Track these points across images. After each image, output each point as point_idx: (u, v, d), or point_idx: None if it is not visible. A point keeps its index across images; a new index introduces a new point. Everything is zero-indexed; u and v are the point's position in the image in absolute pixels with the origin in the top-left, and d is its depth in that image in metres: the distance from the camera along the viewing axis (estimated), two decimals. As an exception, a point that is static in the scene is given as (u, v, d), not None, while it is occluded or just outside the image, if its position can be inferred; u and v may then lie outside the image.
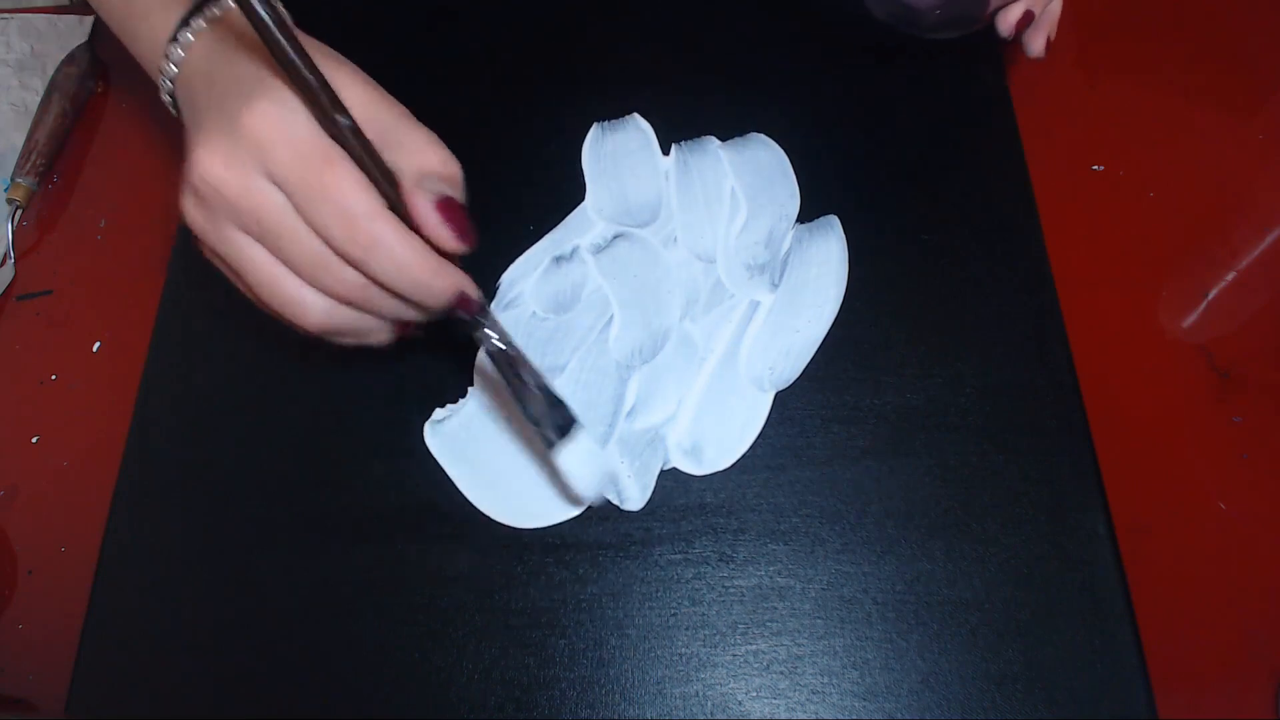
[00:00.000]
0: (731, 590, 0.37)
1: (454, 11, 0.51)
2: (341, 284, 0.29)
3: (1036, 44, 0.42)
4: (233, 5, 0.29)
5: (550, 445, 0.34)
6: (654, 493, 0.39)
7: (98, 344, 0.46)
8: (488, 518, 0.39)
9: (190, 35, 0.31)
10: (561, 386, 0.41)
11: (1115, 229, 0.46)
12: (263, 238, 0.28)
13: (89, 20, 0.55)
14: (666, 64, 0.49)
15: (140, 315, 0.44)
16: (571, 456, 0.34)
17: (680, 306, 0.43)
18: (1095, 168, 0.48)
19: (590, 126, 0.47)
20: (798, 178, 0.46)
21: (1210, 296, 0.45)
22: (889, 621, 0.37)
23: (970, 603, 0.37)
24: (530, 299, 0.43)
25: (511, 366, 0.32)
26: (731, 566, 0.38)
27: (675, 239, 0.44)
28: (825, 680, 0.36)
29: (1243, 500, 0.40)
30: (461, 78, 0.49)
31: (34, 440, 0.44)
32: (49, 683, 0.38)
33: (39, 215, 0.50)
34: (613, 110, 0.48)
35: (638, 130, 0.47)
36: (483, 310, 0.31)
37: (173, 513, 0.39)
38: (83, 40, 0.54)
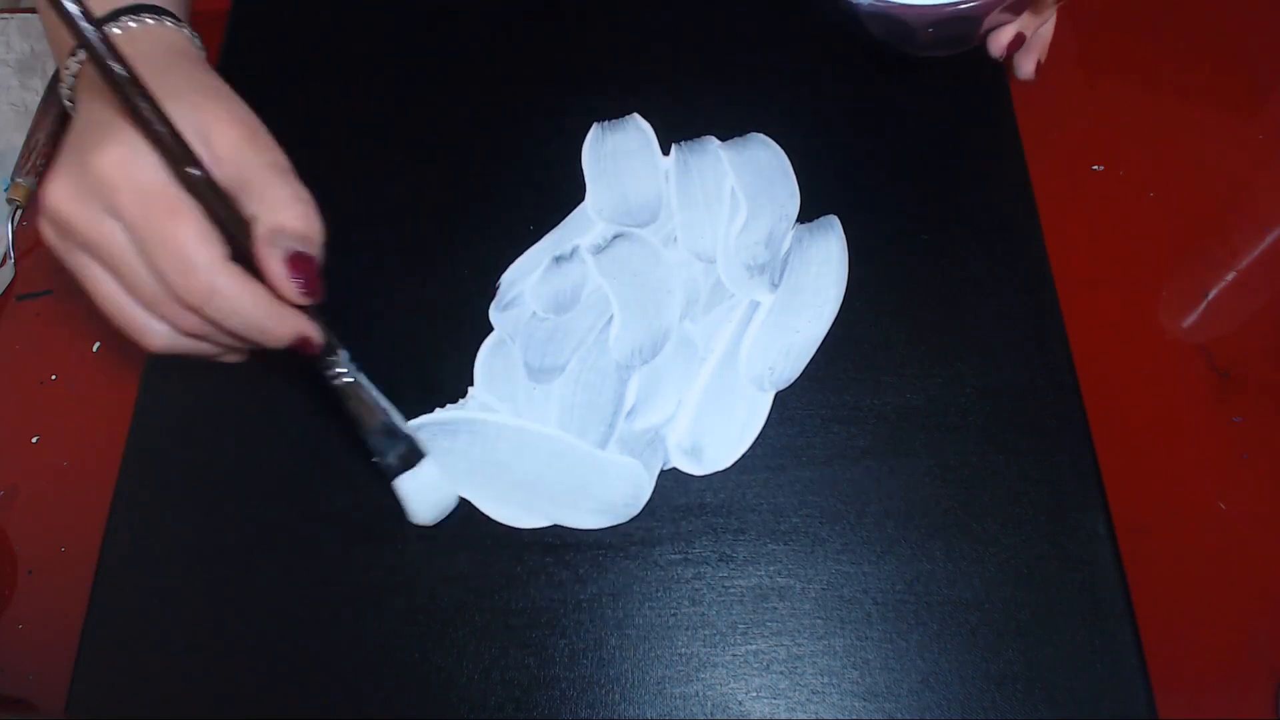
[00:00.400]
0: (731, 590, 0.37)
1: (454, 11, 0.51)
2: (181, 319, 0.30)
3: (1027, 67, 0.42)
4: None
5: (390, 474, 0.36)
6: (654, 493, 0.39)
7: (98, 344, 0.46)
8: (488, 518, 0.39)
9: (75, 64, 0.32)
10: (561, 387, 0.41)
11: (1115, 229, 0.46)
12: (108, 269, 0.29)
13: (89, 20, 0.55)
14: (666, 64, 0.49)
15: (140, 315, 0.44)
16: (412, 484, 0.36)
17: (680, 306, 0.43)
18: (1095, 168, 0.48)
19: (590, 126, 0.47)
20: (798, 178, 0.46)
21: (1210, 296, 0.45)
22: (889, 621, 0.37)
23: (970, 603, 0.37)
24: (530, 299, 0.43)
25: (355, 399, 0.34)
26: (731, 566, 0.38)
27: (675, 239, 0.44)
28: (825, 680, 0.36)
29: (1243, 500, 0.40)
30: (461, 78, 0.49)
31: (34, 440, 0.44)
32: (49, 683, 0.38)
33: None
34: (613, 110, 0.48)
35: (638, 130, 0.47)
36: (329, 349, 0.33)
37: (173, 513, 0.39)
38: (83, 40, 0.54)
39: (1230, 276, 0.45)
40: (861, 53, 0.48)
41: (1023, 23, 0.40)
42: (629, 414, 0.41)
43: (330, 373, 0.34)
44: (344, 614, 0.37)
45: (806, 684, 0.36)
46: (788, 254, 0.44)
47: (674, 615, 0.37)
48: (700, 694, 0.36)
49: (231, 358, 0.33)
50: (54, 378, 0.45)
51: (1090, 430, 0.39)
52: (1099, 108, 0.49)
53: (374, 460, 0.36)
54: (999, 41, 0.41)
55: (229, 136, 0.30)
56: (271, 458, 0.40)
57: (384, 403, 0.36)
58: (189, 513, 0.39)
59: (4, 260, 0.48)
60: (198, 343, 0.31)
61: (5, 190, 0.49)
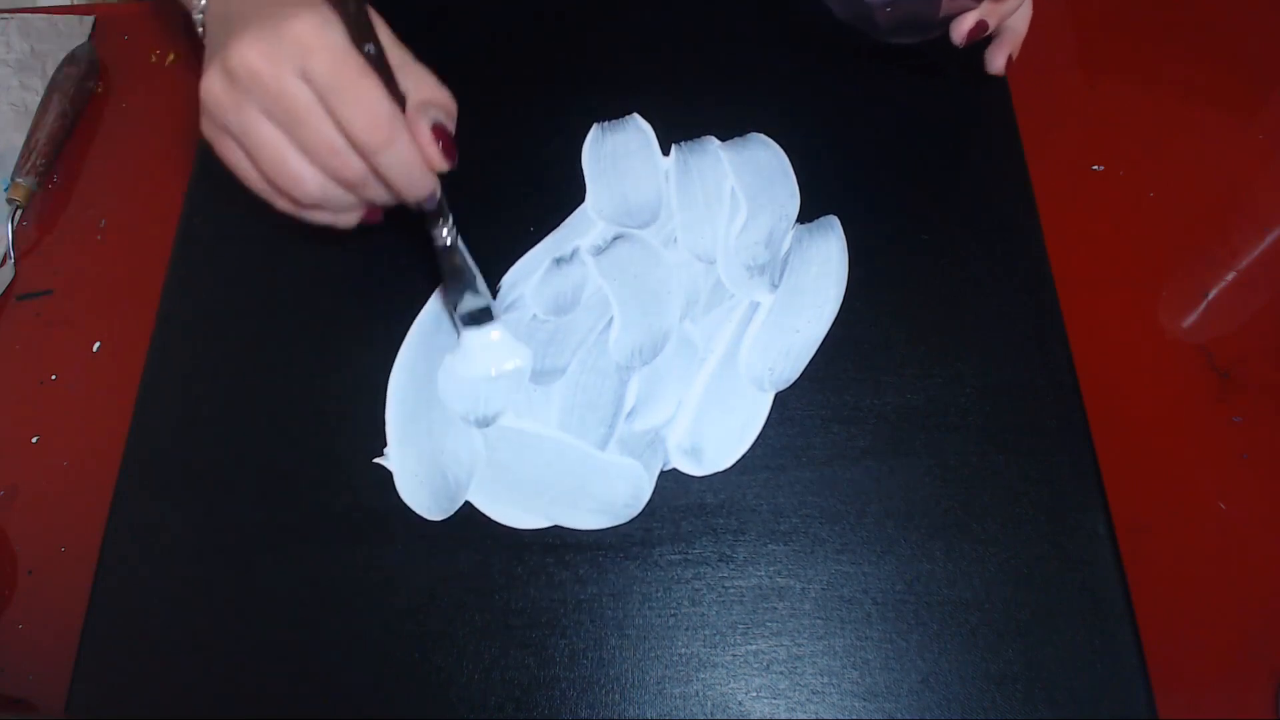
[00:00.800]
0: (731, 590, 0.37)
1: (454, 11, 0.51)
2: (347, 168, 0.34)
3: (997, 61, 0.42)
4: None
5: (461, 325, 0.41)
6: (654, 493, 0.39)
7: (98, 344, 0.46)
8: (487, 518, 0.39)
9: None
10: (561, 388, 0.41)
11: (1115, 229, 0.46)
12: (283, 122, 0.33)
13: (89, 20, 0.55)
14: (666, 64, 0.49)
15: (140, 315, 0.44)
16: (477, 338, 0.41)
17: (680, 307, 0.43)
18: (1095, 168, 0.48)
19: (590, 127, 0.47)
20: (798, 178, 0.46)
21: (1210, 296, 0.45)
22: (889, 621, 0.37)
23: (970, 603, 0.37)
24: (531, 301, 0.43)
25: (451, 260, 0.39)
26: (731, 566, 0.38)
27: (675, 240, 0.44)
28: (825, 680, 0.36)
29: (1243, 500, 0.40)
30: (462, 77, 0.49)
31: (34, 440, 0.44)
32: (49, 683, 0.38)
33: (39, 215, 0.50)
34: (613, 110, 0.48)
35: (638, 131, 0.47)
36: (443, 212, 0.38)
37: (173, 513, 0.39)
38: (83, 40, 0.54)
39: (1230, 276, 0.45)
40: (862, 53, 0.48)
41: (984, 10, 0.40)
42: (629, 415, 0.41)
43: (437, 232, 0.38)
44: (344, 614, 0.37)
45: (806, 684, 0.36)
46: (788, 254, 0.44)
47: (674, 615, 0.37)
48: (700, 694, 0.36)
49: (350, 219, 0.37)
50: (54, 378, 0.45)
51: (1090, 430, 0.39)
52: (1099, 108, 0.49)
53: (453, 315, 0.41)
54: (960, 29, 0.40)
55: (382, 29, 0.34)
56: (271, 458, 0.40)
57: (474, 268, 0.40)
58: (189, 513, 0.39)
59: (4, 260, 0.48)
60: (343, 195, 0.35)
61: (5, 190, 0.49)
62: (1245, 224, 0.47)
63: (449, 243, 0.39)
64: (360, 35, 0.32)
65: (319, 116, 0.33)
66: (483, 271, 0.40)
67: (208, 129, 0.35)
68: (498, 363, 0.42)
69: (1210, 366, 0.43)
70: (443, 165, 0.35)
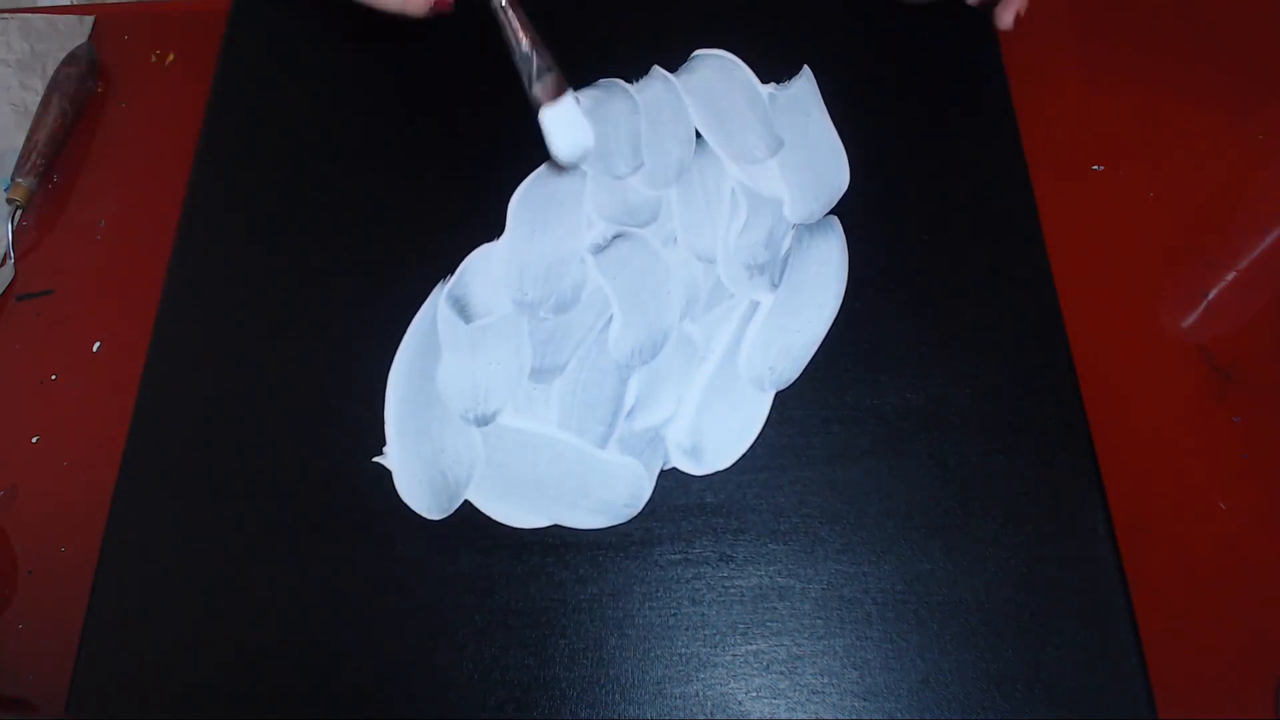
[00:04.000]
0: (731, 590, 0.37)
1: (454, 11, 0.51)
2: None
3: (1006, 17, 0.42)
4: None
5: (536, 105, 0.40)
6: (654, 493, 0.39)
7: (98, 344, 0.46)
8: (487, 517, 0.39)
9: None
10: (561, 386, 0.41)
11: (1115, 229, 0.46)
12: None
13: (89, 20, 0.55)
14: (664, 64, 0.49)
15: (140, 315, 0.44)
16: (553, 115, 0.40)
17: (680, 306, 0.43)
18: (1095, 168, 0.48)
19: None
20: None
21: (1210, 296, 0.45)
22: (889, 621, 0.37)
23: (970, 603, 0.37)
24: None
25: (511, 27, 0.39)
26: (731, 566, 0.38)
27: (675, 239, 0.44)
28: (825, 680, 0.36)
29: (1243, 500, 0.40)
30: (463, 76, 0.49)
31: (34, 440, 0.44)
32: (49, 683, 0.38)
33: (39, 215, 0.50)
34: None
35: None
36: None
37: (173, 513, 0.39)
38: (83, 40, 0.54)
39: (1230, 276, 0.45)
40: (861, 51, 0.48)
41: None
42: (629, 414, 0.41)
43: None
44: (343, 613, 0.37)
45: (806, 684, 0.36)
46: (788, 254, 0.44)
47: (674, 615, 0.37)
48: (700, 694, 0.36)
49: (418, 4, 0.41)
50: (54, 378, 0.45)
51: (1090, 430, 0.39)
52: (1099, 108, 0.49)
53: (525, 92, 0.40)
54: None
55: None
56: (271, 458, 0.40)
57: (534, 33, 0.40)
58: (189, 513, 0.39)
59: (4, 260, 0.48)
60: None
61: (5, 190, 0.49)
62: (1245, 224, 0.47)
63: (504, 5, 0.39)
64: None
65: None
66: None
67: None
68: (580, 140, 0.41)
69: (1210, 366, 0.43)
70: None
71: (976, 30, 0.48)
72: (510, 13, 0.40)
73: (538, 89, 0.40)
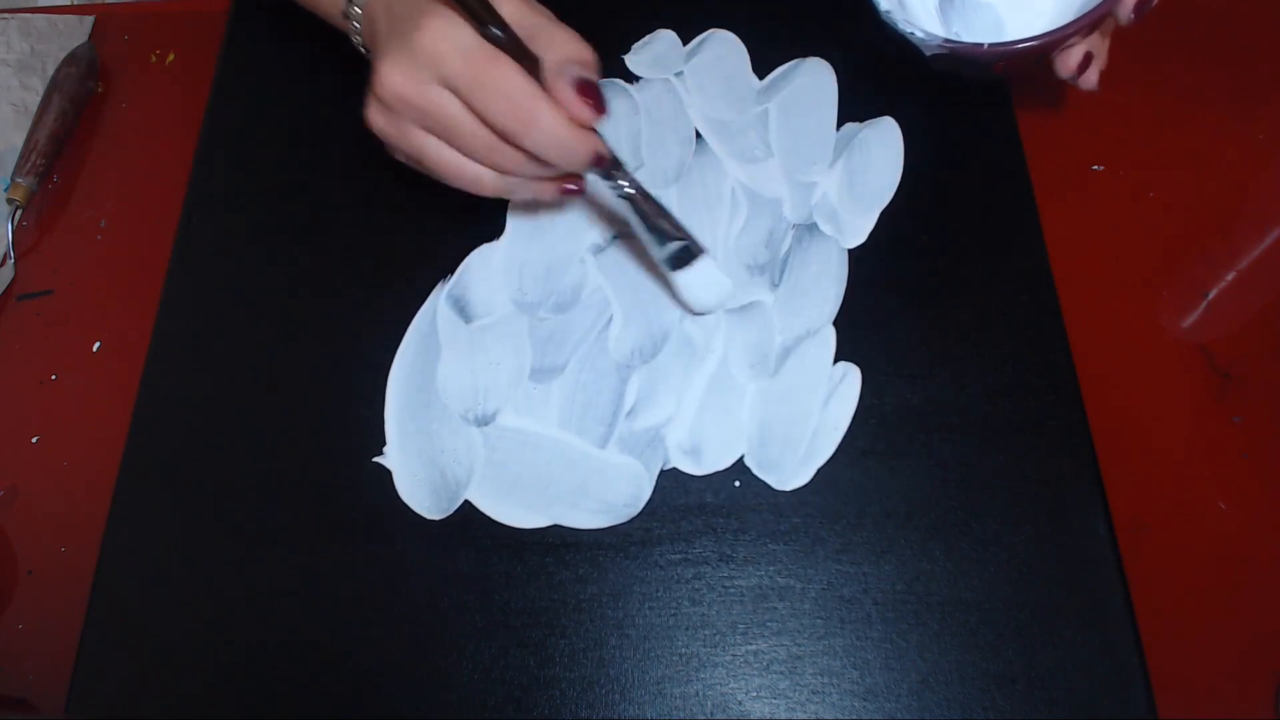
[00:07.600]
0: (731, 590, 0.37)
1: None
2: (507, 160, 0.35)
3: (1091, 78, 0.42)
4: None
5: (671, 269, 0.40)
6: (654, 493, 0.39)
7: (98, 344, 0.46)
8: (487, 517, 0.39)
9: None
10: (561, 386, 0.41)
11: (1115, 229, 0.46)
12: (440, 133, 0.35)
13: (89, 20, 0.55)
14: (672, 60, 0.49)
15: (140, 315, 0.44)
16: (688, 277, 0.40)
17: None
18: (1095, 168, 0.48)
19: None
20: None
21: (1210, 296, 0.45)
22: (889, 621, 0.37)
23: (970, 603, 0.37)
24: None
25: (640, 207, 0.39)
26: (731, 566, 0.38)
27: (675, 239, 0.44)
28: (825, 680, 0.36)
29: (1243, 500, 0.40)
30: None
31: (34, 440, 0.44)
32: (49, 683, 0.38)
33: (39, 215, 0.50)
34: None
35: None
36: (615, 164, 0.37)
37: (173, 513, 0.39)
38: (83, 40, 0.54)
39: (1230, 276, 0.45)
40: (860, 54, 0.48)
41: (1091, 42, 0.40)
42: (629, 414, 0.41)
43: (617, 184, 0.38)
44: (344, 614, 0.37)
45: (806, 684, 0.36)
46: (788, 254, 0.44)
47: (674, 615, 0.37)
48: (700, 694, 0.36)
49: (548, 193, 0.38)
50: (54, 378, 0.45)
51: (1090, 430, 0.39)
52: (1099, 108, 0.49)
53: (660, 259, 0.41)
54: (1068, 63, 0.41)
55: (510, 4, 0.35)
56: (271, 457, 0.40)
57: (663, 207, 0.40)
58: (189, 513, 0.39)
59: (4, 260, 0.48)
60: (520, 182, 0.37)
61: (5, 190, 0.49)
62: (1245, 224, 0.47)
63: (631, 191, 0.38)
64: (484, 19, 0.33)
65: (467, 119, 0.34)
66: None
67: (397, 156, 0.38)
68: (719, 295, 0.42)
69: (1210, 366, 0.43)
70: (592, 119, 0.35)
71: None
72: (640, 196, 0.39)
73: (672, 255, 0.40)
